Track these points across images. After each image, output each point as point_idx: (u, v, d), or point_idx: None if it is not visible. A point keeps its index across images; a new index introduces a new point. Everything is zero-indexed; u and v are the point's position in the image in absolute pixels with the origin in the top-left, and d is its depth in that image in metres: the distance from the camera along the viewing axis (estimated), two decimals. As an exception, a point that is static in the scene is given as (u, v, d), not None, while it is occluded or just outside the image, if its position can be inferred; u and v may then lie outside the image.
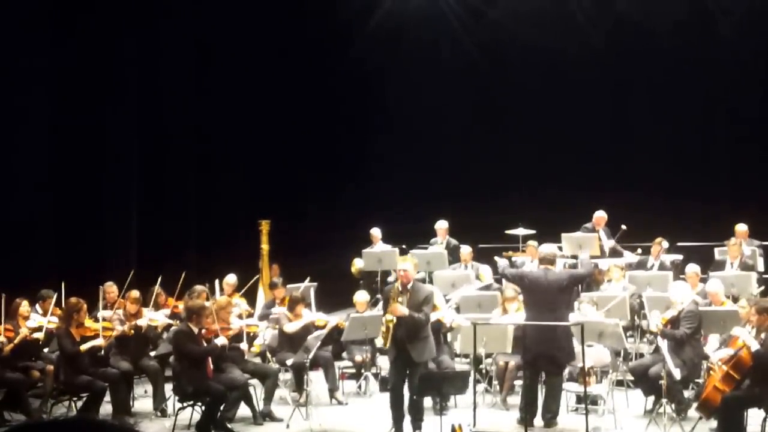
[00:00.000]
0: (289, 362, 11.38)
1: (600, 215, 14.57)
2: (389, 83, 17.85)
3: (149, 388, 11.41)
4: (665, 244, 13.92)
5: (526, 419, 9.72)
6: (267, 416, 10.76)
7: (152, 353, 11.64)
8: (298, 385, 11.28)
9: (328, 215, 16.80)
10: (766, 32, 15.90)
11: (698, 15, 16.36)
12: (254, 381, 10.96)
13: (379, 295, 12.91)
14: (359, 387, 12.15)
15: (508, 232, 15.08)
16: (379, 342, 10.94)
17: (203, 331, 10.23)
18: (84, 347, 10.47)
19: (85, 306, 10.71)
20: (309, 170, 17.42)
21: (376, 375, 11.94)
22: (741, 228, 14.01)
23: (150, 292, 12.03)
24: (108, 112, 15.39)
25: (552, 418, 9.92)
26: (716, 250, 13.99)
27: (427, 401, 10.55)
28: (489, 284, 13.68)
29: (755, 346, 8.93)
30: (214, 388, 10.01)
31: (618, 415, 10.42)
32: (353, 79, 17.53)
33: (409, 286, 9.69)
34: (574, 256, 13.71)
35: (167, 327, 11.69)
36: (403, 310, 9.54)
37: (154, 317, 11.61)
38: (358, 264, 14.99)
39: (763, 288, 12.90)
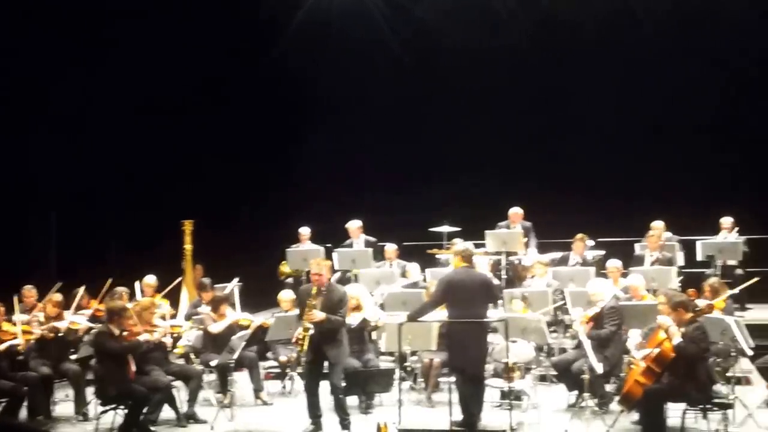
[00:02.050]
0: (213, 363, 11.28)
1: (515, 211, 14.59)
2: (314, 82, 17.75)
3: (70, 392, 11.20)
4: (590, 242, 14.09)
5: (469, 423, 9.69)
6: (191, 418, 10.66)
7: (73, 356, 11.43)
8: (223, 386, 11.17)
9: (255, 215, 16.69)
10: (688, 30, 16.15)
11: (622, 13, 16.58)
12: (178, 383, 10.84)
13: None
14: (284, 387, 12.11)
15: (432, 229, 15.13)
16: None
17: (125, 333, 10.07)
18: (1, 347, 10.24)
19: (2, 309, 10.48)
20: (234, 170, 17.25)
21: (301, 374, 11.86)
22: (658, 224, 14.26)
23: (72, 295, 11.82)
24: (30, 111, 15.09)
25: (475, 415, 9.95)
26: (636, 245, 14.22)
27: (353, 400, 10.56)
28: (415, 281, 13.70)
29: (678, 339, 9.08)
30: (137, 391, 9.87)
31: (541, 410, 10.55)
32: (278, 77, 17.43)
33: (323, 288, 9.73)
34: (498, 253, 13.85)
35: (88, 330, 11.48)
36: (320, 315, 9.60)
37: (74, 320, 11.40)
38: (283, 263, 14.93)
39: (682, 282, 13.13)
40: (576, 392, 10.62)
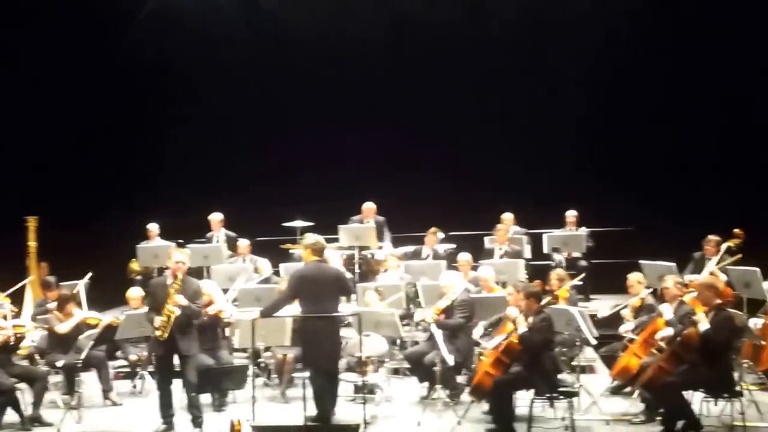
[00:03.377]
0: (59, 364, 10.96)
1: (368, 206, 14.79)
2: (165, 75, 17.38)
3: None
4: (440, 235, 14.32)
5: (324, 417, 9.66)
6: (36, 421, 10.31)
7: None
8: (70, 387, 10.86)
9: (102, 211, 16.24)
10: (534, 29, 16.57)
11: (470, 11, 16.88)
12: (22, 385, 10.46)
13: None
14: (134, 386, 11.83)
15: (285, 224, 15.08)
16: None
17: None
18: None
19: None
20: (81, 164, 16.76)
21: (152, 373, 11.62)
22: (508, 216, 14.64)
23: None
24: None
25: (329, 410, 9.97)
26: (486, 238, 14.52)
27: (206, 397, 10.42)
28: (268, 277, 13.64)
29: (523, 328, 9.32)
30: (-22, 395, 9.51)
31: (394, 403, 10.66)
32: (128, 69, 17.02)
33: (180, 278, 9.64)
34: (351, 247, 13.94)
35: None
36: (184, 300, 9.47)
37: None
38: (133, 260, 14.60)
39: (529, 274, 13.48)
40: (428, 384, 10.78)
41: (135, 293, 12.14)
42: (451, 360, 10.26)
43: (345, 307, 11.09)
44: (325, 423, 9.60)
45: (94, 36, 16.42)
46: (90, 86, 16.58)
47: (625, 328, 10.53)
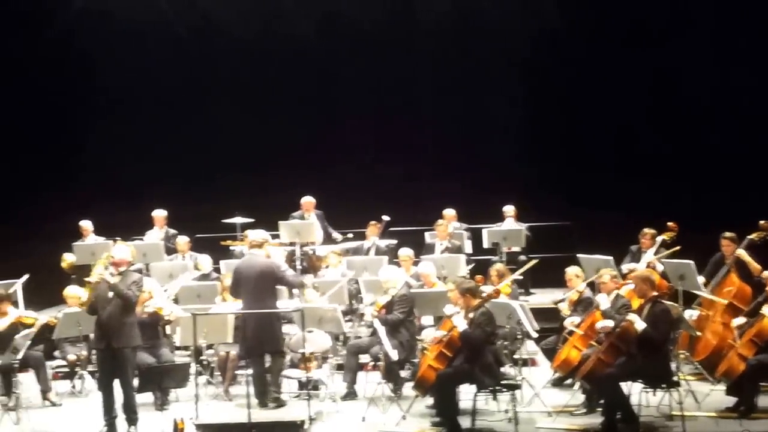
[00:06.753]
0: (-5, 364, 10.76)
1: (307, 200, 14.76)
2: (97, 67, 17.14)
3: None
4: (386, 217, 14.29)
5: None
6: (-27, 423, 10.14)
7: None
8: (7, 388, 10.65)
9: (34, 207, 15.98)
10: (464, 28, 16.72)
11: (404, 6, 16.96)
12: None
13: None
14: (74, 386, 11.66)
15: (225, 221, 14.99)
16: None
17: None
18: None
19: None
20: (9, 160, 16.46)
21: (92, 373, 11.46)
22: (449, 212, 14.71)
23: None
24: None
25: (276, 399, 10.00)
26: (427, 234, 14.59)
27: (148, 396, 10.32)
28: (208, 273, 13.54)
29: (462, 326, 9.38)
30: None
31: (339, 399, 10.65)
32: (56, 62, 16.77)
33: (122, 270, 9.48)
34: (293, 243, 13.89)
35: None
36: (110, 278, 9.32)
37: None
38: (69, 258, 14.34)
39: (471, 269, 13.56)
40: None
41: (73, 291, 11.95)
42: (394, 355, 10.31)
43: (287, 303, 11.09)
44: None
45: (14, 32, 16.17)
46: (19, 84, 16.35)
47: (572, 321, 10.58)
